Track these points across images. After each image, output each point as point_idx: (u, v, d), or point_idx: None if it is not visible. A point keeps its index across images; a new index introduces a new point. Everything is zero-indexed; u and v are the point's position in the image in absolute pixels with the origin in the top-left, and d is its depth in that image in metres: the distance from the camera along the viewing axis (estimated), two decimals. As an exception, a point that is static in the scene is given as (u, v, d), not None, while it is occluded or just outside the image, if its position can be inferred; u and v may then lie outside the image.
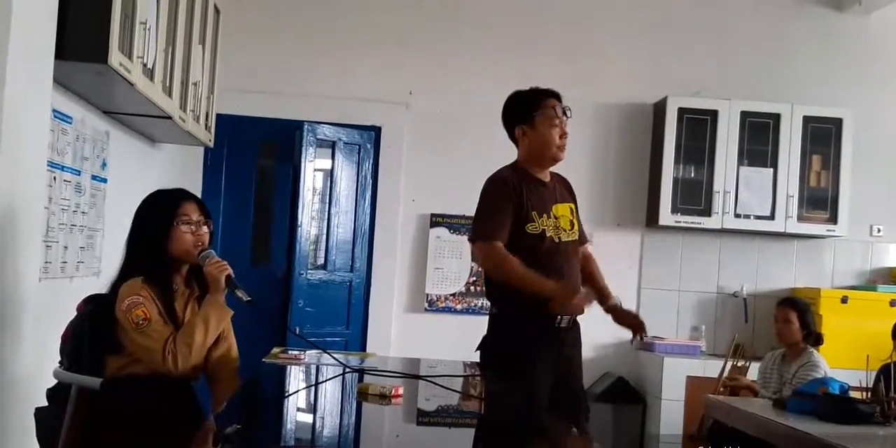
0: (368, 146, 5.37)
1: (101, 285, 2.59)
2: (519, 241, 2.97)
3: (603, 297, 3.16)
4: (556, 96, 3.08)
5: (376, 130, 5.38)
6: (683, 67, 5.47)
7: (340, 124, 5.27)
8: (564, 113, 3.05)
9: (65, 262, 3.23)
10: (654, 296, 5.47)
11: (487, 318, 3.12)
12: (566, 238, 3.04)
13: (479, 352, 3.07)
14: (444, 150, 5.35)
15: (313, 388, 2.80)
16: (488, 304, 3.14)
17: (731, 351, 4.40)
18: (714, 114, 5.29)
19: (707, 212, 5.27)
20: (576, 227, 3.12)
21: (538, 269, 2.93)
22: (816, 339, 4.24)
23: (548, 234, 3.00)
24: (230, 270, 2.52)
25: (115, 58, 2.73)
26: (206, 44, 4.15)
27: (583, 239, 3.22)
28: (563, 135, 3.04)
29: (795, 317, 4.23)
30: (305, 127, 5.09)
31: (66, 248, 3.22)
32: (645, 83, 5.46)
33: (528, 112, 3.05)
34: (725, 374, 4.30)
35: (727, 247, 5.49)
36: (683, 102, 5.30)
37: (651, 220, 5.37)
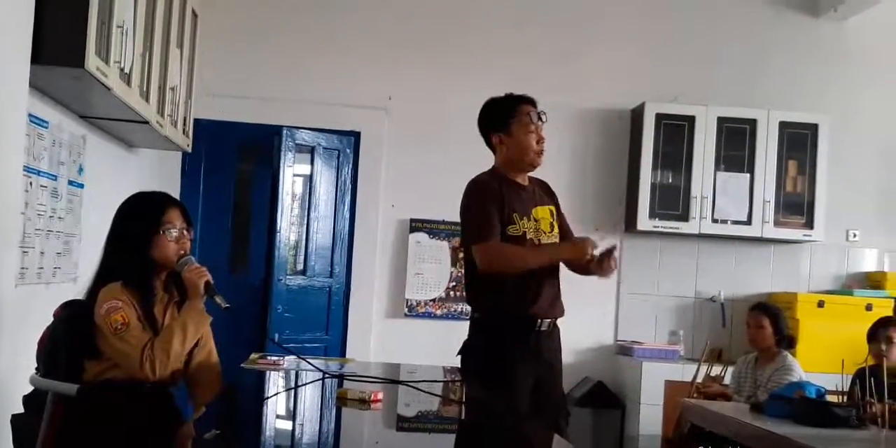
0: (348, 151, 5.37)
1: (78, 291, 2.56)
2: None
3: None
4: (531, 102, 3.09)
5: (355, 135, 5.37)
6: (661, 73, 5.51)
7: (319, 129, 5.26)
8: (540, 118, 3.06)
9: (41, 268, 3.20)
10: (632, 300, 5.49)
11: (468, 322, 3.13)
12: (546, 240, 3.06)
13: (459, 356, 3.07)
14: (424, 155, 5.35)
15: (292, 394, 2.79)
16: (469, 309, 3.15)
17: (707, 356, 4.42)
18: (691, 119, 5.33)
19: (685, 217, 5.30)
20: (556, 229, 3.13)
21: (514, 275, 2.95)
22: (789, 342, 4.27)
23: (528, 236, 3.01)
24: (209, 276, 2.50)
25: (92, 62, 2.71)
26: (184, 48, 4.14)
27: (568, 235, 3.23)
28: (540, 140, 3.05)
29: (768, 322, 4.26)
30: (284, 132, 5.08)
31: (42, 253, 3.20)
32: (623, 89, 5.49)
33: (504, 119, 3.06)
34: (699, 379, 4.33)
35: (705, 252, 5.52)
36: (661, 108, 5.33)
37: (629, 225, 5.40)
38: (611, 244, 3.08)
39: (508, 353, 2.93)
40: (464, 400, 2.83)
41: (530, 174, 3.17)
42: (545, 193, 3.19)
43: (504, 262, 2.94)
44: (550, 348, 3.07)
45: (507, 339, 2.95)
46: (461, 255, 5.32)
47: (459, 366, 3.09)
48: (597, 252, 3.02)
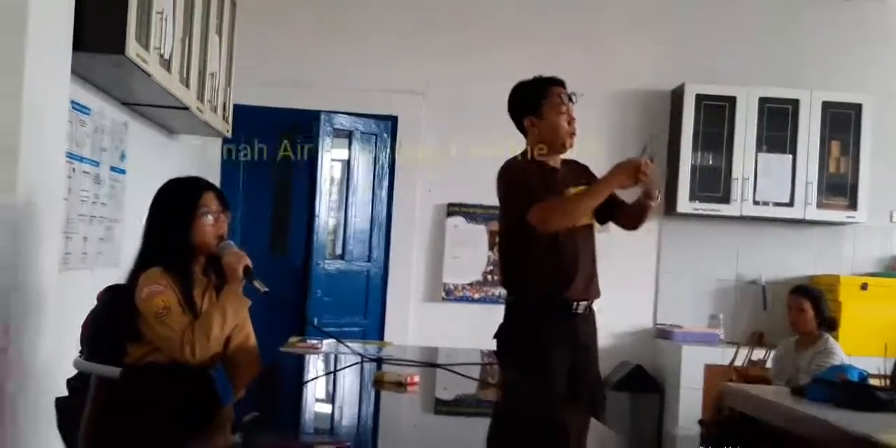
0: (385, 136, 5.37)
1: (120, 276, 2.60)
2: (524, 229, 2.95)
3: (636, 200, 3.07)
4: (560, 83, 3.07)
5: (393, 120, 5.37)
6: (701, 53, 5.43)
7: (357, 114, 5.27)
8: (570, 99, 3.04)
9: (84, 253, 3.25)
10: (672, 283, 5.45)
11: (504, 306, 3.12)
12: (580, 223, 3.04)
13: (495, 340, 3.07)
14: (461, 139, 5.33)
15: (330, 377, 2.82)
16: (505, 292, 3.14)
17: (748, 339, 4.38)
18: (732, 100, 5.25)
19: (726, 199, 5.24)
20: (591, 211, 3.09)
21: (553, 253, 2.93)
22: (830, 325, 4.22)
23: None
24: (248, 261, 2.52)
25: (133, 48, 2.73)
26: (223, 34, 4.16)
27: (621, 203, 3.14)
28: (571, 121, 3.04)
29: (809, 305, 4.21)
30: (322, 117, 5.10)
31: (85, 239, 3.24)
32: (662, 70, 5.42)
33: (534, 101, 3.05)
34: (739, 363, 4.29)
35: (746, 234, 5.46)
36: (701, 89, 5.26)
37: (669, 207, 5.35)
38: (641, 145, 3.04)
39: (544, 337, 2.93)
40: (500, 384, 2.83)
41: (563, 156, 3.14)
42: (580, 174, 3.17)
43: (560, 215, 2.89)
44: (587, 332, 3.06)
45: (542, 323, 2.94)
46: (497, 239, 5.34)
47: (496, 349, 3.09)
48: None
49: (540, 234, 2.93)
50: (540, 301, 2.97)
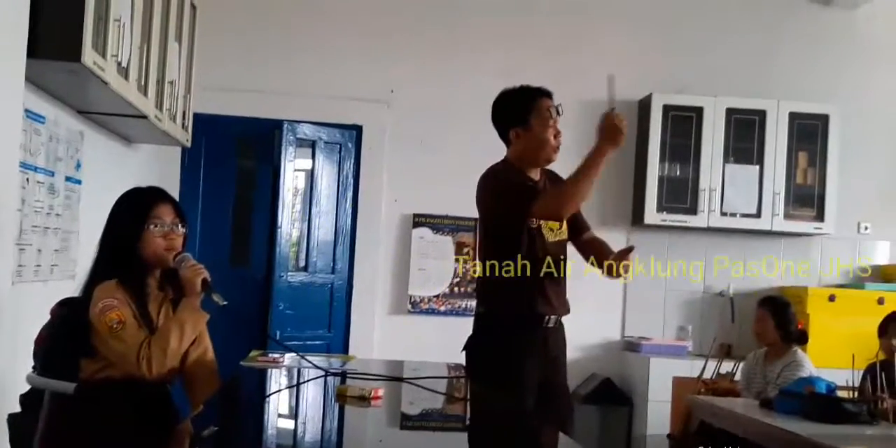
0: (350, 145, 5.37)
1: (76, 288, 2.57)
2: (514, 239, 2.96)
3: (608, 252, 3.11)
4: (549, 95, 3.09)
5: (357, 129, 5.37)
6: (668, 63, 5.49)
7: (320, 123, 5.26)
8: (557, 112, 3.06)
9: (38, 266, 3.21)
10: (640, 295, 5.49)
11: (473, 318, 3.12)
12: (554, 238, 3.05)
13: (464, 352, 3.07)
14: (427, 148, 5.34)
15: (292, 392, 2.80)
16: (473, 305, 3.15)
17: (715, 351, 4.43)
18: (699, 111, 5.31)
19: (693, 210, 5.29)
20: (564, 226, 3.11)
21: (532, 267, 2.94)
22: (801, 338, 4.27)
23: (543, 230, 3.01)
24: (206, 274, 2.51)
25: (89, 56, 2.71)
26: (183, 41, 4.14)
27: (584, 226, 3.21)
28: (558, 135, 3.06)
29: (770, 316, 4.26)
30: (285, 126, 5.08)
31: (39, 251, 3.20)
32: (629, 80, 5.40)
33: (522, 113, 3.05)
34: (708, 375, 4.33)
35: (713, 245, 5.51)
36: (668, 99, 5.32)
37: (636, 218, 5.39)
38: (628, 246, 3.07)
39: (514, 350, 2.93)
40: (467, 397, 2.83)
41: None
42: (556, 182, 3.18)
43: (569, 198, 2.90)
44: (556, 345, 3.08)
45: (513, 336, 2.95)
46: (466, 250, 5.36)
47: (464, 362, 3.09)
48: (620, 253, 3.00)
49: (514, 248, 2.94)
50: (512, 314, 2.98)
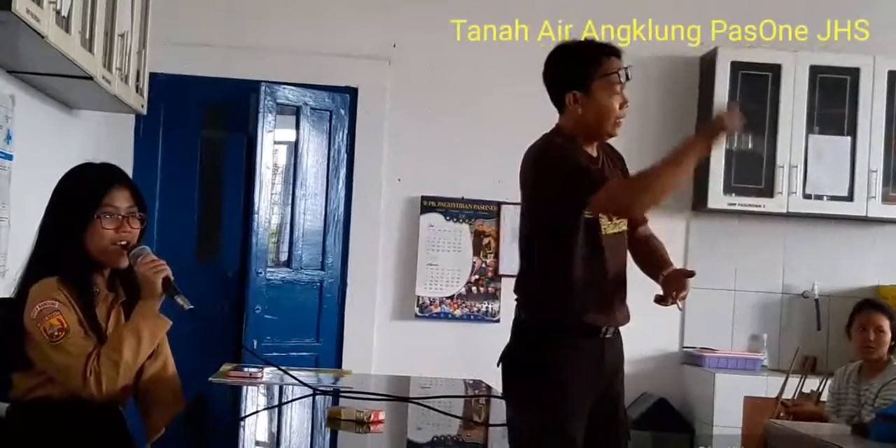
0: (342, 112, 5.37)
1: (6, 287, 2.59)
2: (561, 230, 2.96)
3: (667, 263, 3.13)
4: (617, 54, 3.08)
5: (351, 92, 5.37)
6: (737, 12, 5.46)
7: (306, 85, 5.26)
8: (627, 76, 3.06)
9: (-39, 260, 3.23)
10: (702, 297, 5.46)
11: (511, 324, 3.12)
12: (612, 230, 3.05)
13: (500, 366, 3.06)
14: (438, 116, 5.34)
15: (273, 414, 2.82)
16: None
17: (797, 366, 4.42)
18: (776, 69, 5.29)
19: (768, 192, 5.28)
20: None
21: (589, 264, 2.94)
22: (903, 348, 4.26)
23: (602, 222, 3.01)
24: (168, 271, 2.53)
25: (21, 3, 2.72)
26: (136, -16, 4.15)
27: (639, 219, 3.19)
28: (624, 103, 3.05)
29: (889, 325, 4.24)
30: (263, 88, 5.09)
31: (-38, 242, 3.23)
32: (689, 32, 5.45)
33: (586, 75, 3.04)
34: (788, 395, 4.32)
35: (794, 235, 5.50)
36: (737, 55, 5.30)
37: (699, 202, 5.38)
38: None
39: (563, 366, 2.91)
40: (506, 421, 2.83)
41: None
42: (617, 164, 3.18)
43: (645, 193, 2.86)
44: (613, 360, 3.06)
45: (561, 348, 2.93)
46: (486, 241, 5.35)
47: (501, 378, 3.07)
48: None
49: (566, 240, 2.94)
50: (559, 322, 2.96)
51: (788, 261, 5.54)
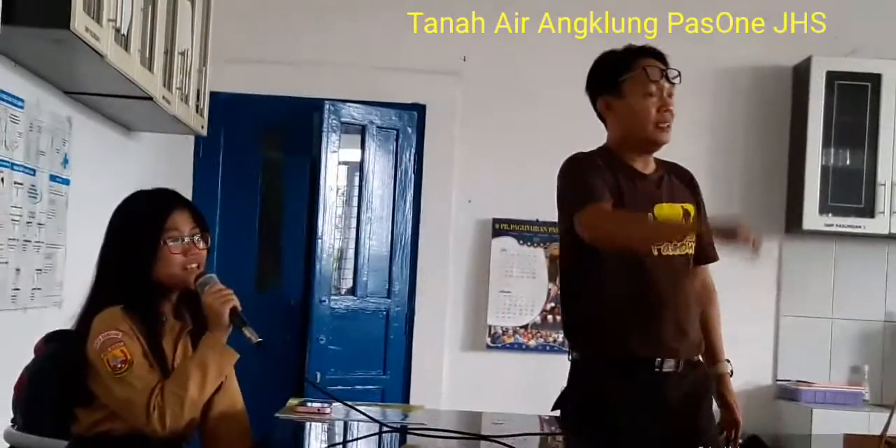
0: (409, 130, 5.41)
1: (65, 318, 2.64)
2: (586, 246, 2.91)
3: (712, 358, 3.10)
4: (655, 55, 3.02)
5: (419, 109, 5.42)
6: (834, 18, 5.42)
7: (372, 103, 5.31)
8: (665, 76, 2.99)
9: (17, 289, 3.30)
10: (797, 325, 5.43)
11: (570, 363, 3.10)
12: (670, 251, 2.98)
13: (558, 410, 3.03)
14: (510, 133, 5.36)
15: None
16: (567, 344, 3.08)
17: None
18: (876, 79, 5.25)
19: (869, 211, 5.23)
20: (690, 236, 3.05)
21: (626, 291, 2.89)
22: None
23: None
24: (236, 302, 2.54)
25: (80, 21, 2.76)
26: (197, 2, 4.22)
27: (709, 255, 3.09)
28: (664, 106, 2.96)
29: None
30: (326, 107, 5.15)
31: (18, 270, 3.29)
32: (781, 39, 5.42)
33: (615, 77, 3.00)
34: (892, 432, 4.26)
35: (898, 258, 5.44)
36: (834, 64, 5.26)
37: (792, 223, 5.34)
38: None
39: (614, 407, 2.85)
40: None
41: (660, 157, 3.09)
42: (684, 185, 3.11)
43: (616, 227, 2.79)
44: (684, 397, 2.98)
45: (611, 386, 2.87)
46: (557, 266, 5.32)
47: (559, 421, 3.05)
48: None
49: (609, 262, 2.89)
50: (602, 352, 2.91)
51: (892, 286, 5.46)
